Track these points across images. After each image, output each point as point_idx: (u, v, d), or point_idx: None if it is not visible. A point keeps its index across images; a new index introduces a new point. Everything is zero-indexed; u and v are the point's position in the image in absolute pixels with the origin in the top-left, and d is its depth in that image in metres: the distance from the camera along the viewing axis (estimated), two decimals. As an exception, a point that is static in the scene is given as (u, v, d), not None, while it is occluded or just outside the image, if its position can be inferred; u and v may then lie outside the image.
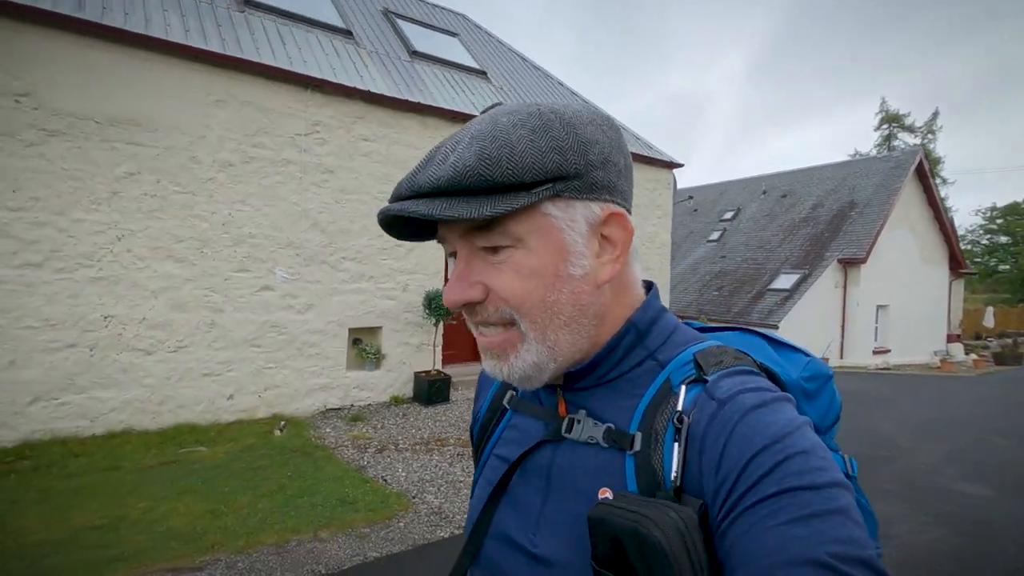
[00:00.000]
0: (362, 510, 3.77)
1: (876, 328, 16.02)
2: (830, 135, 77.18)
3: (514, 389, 0.68)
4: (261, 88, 5.60)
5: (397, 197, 0.51)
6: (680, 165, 9.85)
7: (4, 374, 4.48)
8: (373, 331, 6.56)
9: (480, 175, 0.47)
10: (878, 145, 41.08)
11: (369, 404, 6.41)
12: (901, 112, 41.13)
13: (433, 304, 6.45)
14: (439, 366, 6.99)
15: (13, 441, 4.51)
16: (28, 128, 4.51)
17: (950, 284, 18.80)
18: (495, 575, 0.59)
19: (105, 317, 4.86)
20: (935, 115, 40.76)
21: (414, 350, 6.79)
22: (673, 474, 0.48)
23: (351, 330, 6.36)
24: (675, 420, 0.50)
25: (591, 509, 0.47)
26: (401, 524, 3.61)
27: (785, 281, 15.54)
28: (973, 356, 16.73)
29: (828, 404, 0.63)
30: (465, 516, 2.63)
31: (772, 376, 0.58)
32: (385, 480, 4.34)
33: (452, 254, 0.56)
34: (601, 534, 0.46)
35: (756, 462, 0.44)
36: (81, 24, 4.63)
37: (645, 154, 9.25)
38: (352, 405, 6.31)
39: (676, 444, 0.49)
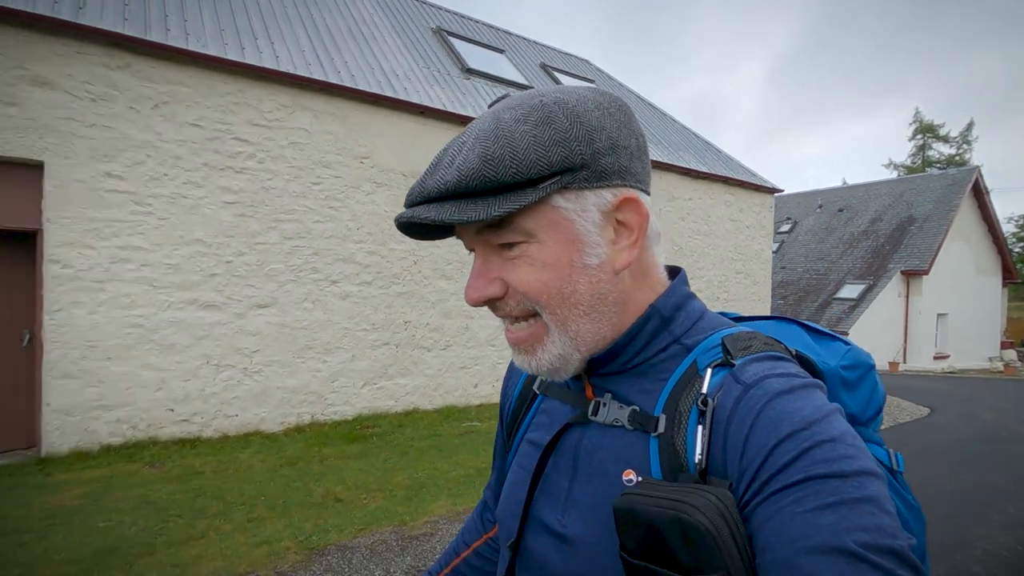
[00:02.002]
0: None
1: (936, 335, 17.14)
2: (856, 140, 77.42)
3: None
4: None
5: (410, 203, 0.52)
6: (780, 191, 11.23)
7: (347, 365, 6.03)
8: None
9: (484, 177, 0.48)
10: (912, 155, 41.67)
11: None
12: (936, 122, 41.69)
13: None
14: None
15: (352, 415, 6.05)
16: (367, 182, 6.07)
17: (1003, 294, 19.82)
18: (529, 557, 0.59)
19: (405, 322, 6.41)
20: (970, 125, 41.24)
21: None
22: (698, 456, 0.48)
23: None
24: (699, 403, 0.50)
25: (617, 499, 0.46)
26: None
27: (850, 291, 16.77)
28: (1029, 361, 17.75)
29: (869, 395, 0.63)
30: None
31: (807, 363, 0.56)
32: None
33: (471, 250, 0.57)
34: (632, 524, 0.45)
35: (781, 448, 0.44)
36: (399, 103, 6.20)
37: (751, 181, 10.63)
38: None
39: (700, 427, 0.49)
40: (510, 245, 0.52)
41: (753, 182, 10.63)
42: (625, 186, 0.53)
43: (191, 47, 5.03)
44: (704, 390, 0.51)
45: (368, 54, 6.81)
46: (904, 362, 16.30)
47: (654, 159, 8.83)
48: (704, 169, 9.67)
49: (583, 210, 0.52)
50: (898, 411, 8.29)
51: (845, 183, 41.61)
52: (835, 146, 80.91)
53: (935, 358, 16.87)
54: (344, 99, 5.93)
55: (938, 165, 39.38)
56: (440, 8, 9.81)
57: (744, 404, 0.47)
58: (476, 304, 0.55)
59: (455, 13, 10.04)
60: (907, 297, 16.65)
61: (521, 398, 0.71)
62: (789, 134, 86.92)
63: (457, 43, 8.56)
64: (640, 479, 0.51)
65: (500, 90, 7.96)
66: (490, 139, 0.49)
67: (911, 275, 16.43)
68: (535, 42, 11.18)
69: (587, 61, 12.02)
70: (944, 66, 67.27)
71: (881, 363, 15.43)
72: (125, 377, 4.84)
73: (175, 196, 5.02)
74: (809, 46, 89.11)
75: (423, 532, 3.51)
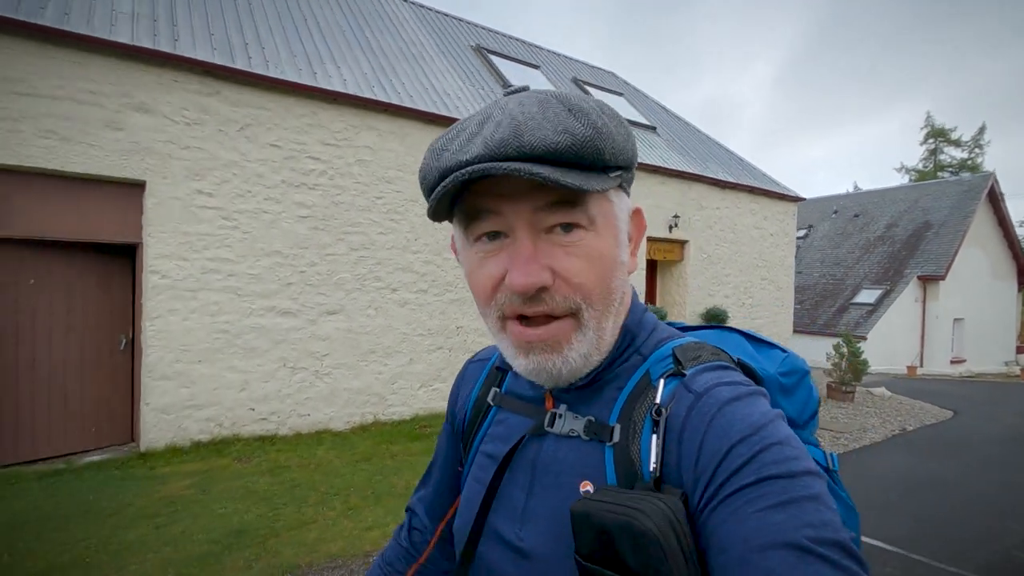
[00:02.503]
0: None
1: (952, 339, 17.34)
2: (865, 143, 77.32)
3: (498, 386, 0.68)
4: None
5: (494, 156, 0.47)
6: (803, 199, 11.54)
7: (406, 368, 6.41)
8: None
9: (596, 148, 0.47)
10: (924, 159, 41.64)
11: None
12: (948, 127, 41.65)
13: (646, 318, 8.25)
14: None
15: (409, 415, 6.43)
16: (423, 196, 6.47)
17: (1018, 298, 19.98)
18: (482, 571, 0.60)
19: (457, 327, 6.79)
20: (982, 129, 41.18)
21: (626, 354, 8.61)
22: (652, 464, 0.49)
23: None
24: (653, 412, 0.51)
25: (574, 504, 0.48)
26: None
27: (867, 296, 17.01)
28: (1045, 366, 17.90)
29: (806, 399, 0.65)
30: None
31: (749, 371, 0.59)
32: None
33: (490, 234, 0.53)
34: (586, 528, 0.46)
35: (735, 452, 0.45)
36: (453, 121, 6.59)
37: (775, 190, 10.95)
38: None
39: (655, 436, 0.50)
40: (568, 228, 0.51)
41: (777, 191, 10.95)
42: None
43: (271, 73, 5.45)
44: (657, 400, 0.52)
45: (420, 75, 7.21)
46: (921, 366, 16.52)
47: (685, 169, 9.19)
48: (731, 179, 10.01)
49: (623, 209, 0.55)
50: (923, 414, 8.57)
51: (857, 187, 41.70)
52: (843, 149, 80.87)
53: (952, 362, 17.07)
54: (404, 119, 6.33)
55: (950, 169, 39.39)
56: (476, 25, 10.22)
57: (696, 412, 0.49)
58: (528, 291, 0.50)
59: (489, 29, 10.45)
60: (924, 302, 16.87)
61: (476, 409, 0.70)
62: (796, 137, 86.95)
63: (496, 60, 8.96)
64: (596, 488, 0.51)
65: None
66: (595, 113, 0.49)
67: (928, 280, 16.65)
68: (565, 56, 11.57)
69: (613, 74, 12.40)
70: (954, 69, 67.19)
71: (899, 367, 15.67)
72: (213, 379, 5.24)
73: (257, 211, 5.42)
74: (816, 48, 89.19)
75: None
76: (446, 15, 9.90)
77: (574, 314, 0.53)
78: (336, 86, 5.88)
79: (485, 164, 0.46)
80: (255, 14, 6.35)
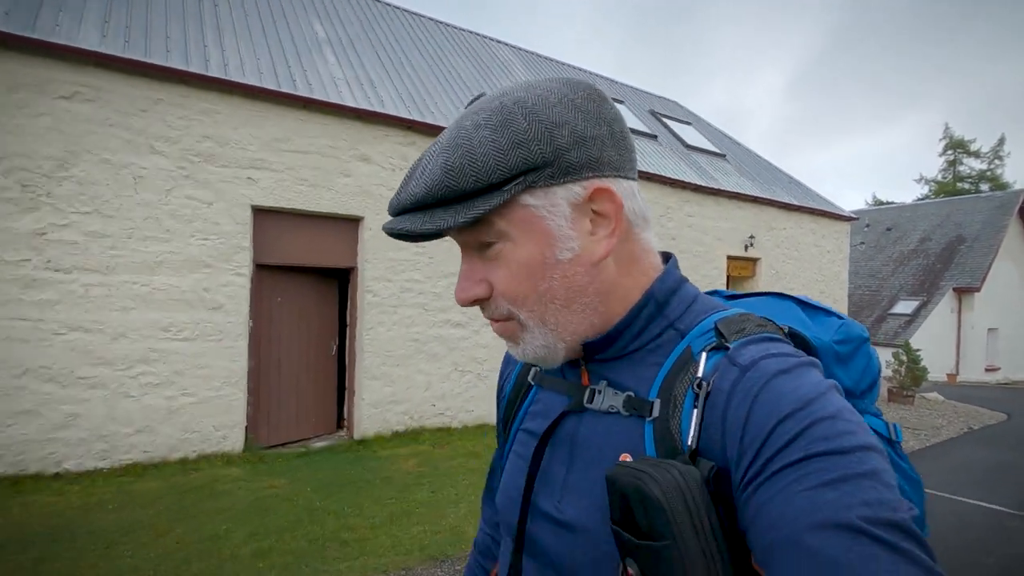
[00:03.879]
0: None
1: (987, 348, 18.19)
2: (878, 153, 77.87)
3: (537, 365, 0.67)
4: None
5: (391, 213, 0.55)
6: (855, 219, 12.53)
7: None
8: (689, 347, 9.42)
9: (448, 187, 0.49)
10: (943, 170, 42.25)
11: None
12: (967, 138, 42.20)
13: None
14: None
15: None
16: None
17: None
18: (531, 545, 0.61)
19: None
20: (1001, 140, 41.73)
21: (711, 361, 9.63)
22: (690, 439, 0.49)
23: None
24: (695, 386, 0.50)
25: (608, 469, 0.48)
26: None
27: (905, 307, 17.92)
28: (1076, 374, 18.68)
29: (864, 368, 0.63)
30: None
31: (801, 340, 0.58)
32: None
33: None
34: (613, 493, 0.47)
35: (781, 428, 0.44)
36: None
37: (832, 211, 11.95)
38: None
39: (695, 410, 0.49)
40: (487, 245, 0.54)
41: (833, 211, 11.96)
42: (597, 176, 0.53)
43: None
44: (699, 374, 0.51)
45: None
46: (958, 374, 17.38)
47: (755, 195, 10.22)
48: (796, 202, 11.04)
49: (552, 206, 0.52)
50: (980, 416, 9.52)
51: (875, 198, 42.30)
52: (853, 157, 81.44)
53: (986, 370, 17.92)
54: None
55: (969, 180, 40.11)
56: (562, 63, 11.34)
57: (741, 386, 0.48)
58: (465, 304, 0.57)
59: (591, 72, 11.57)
60: (959, 313, 17.75)
61: (516, 388, 0.72)
62: (805, 145, 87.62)
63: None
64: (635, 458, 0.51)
65: (650, 146, 9.43)
66: (450, 149, 0.50)
67: (963, 292, 17.54)
68: (644, 91, 12.69)
69: (677, 103, 13.49)
70: (967, 76, 67.84)
71: (938, 374, 16.54)
72: (406, 379, 6.33)
73: (439, 241, 6.52)
74: (826, 56, 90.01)
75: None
76: (546, 57, 11.02)
77: (511, 317, 0.56)
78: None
79: (384, 224, 0.55)
80: (450, 79, 7.51)
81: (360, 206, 6.00)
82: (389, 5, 9.29)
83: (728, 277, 10.41)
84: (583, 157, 0.52)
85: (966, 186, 39.83)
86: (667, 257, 0.63)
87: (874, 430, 0.57)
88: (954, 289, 17.55)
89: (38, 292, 4.43)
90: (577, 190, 0.53)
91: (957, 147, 41.04)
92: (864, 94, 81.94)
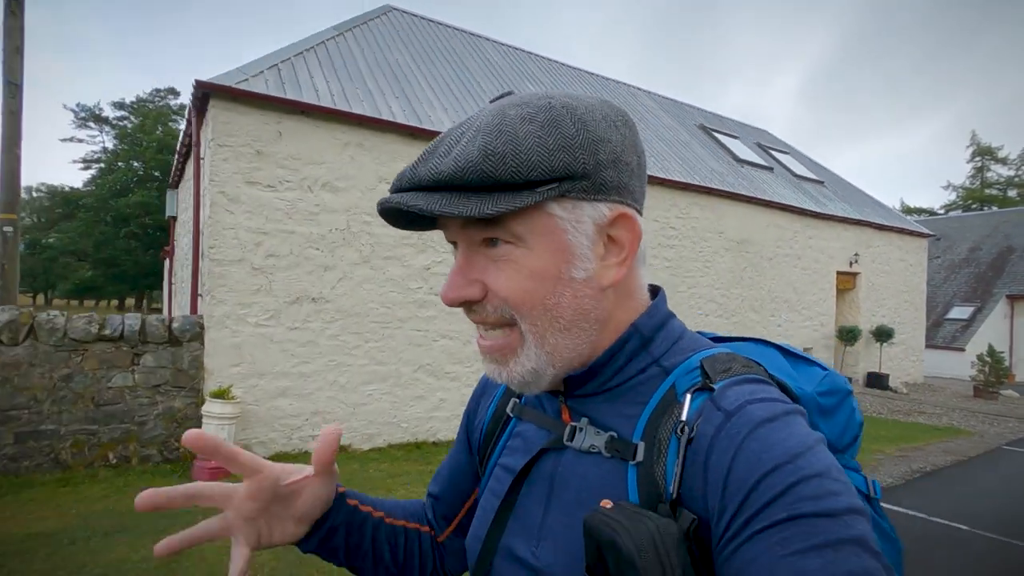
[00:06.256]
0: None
1: (1037, 351, 19.62)
2: (898, 155, 78.52)
3: (517, 397, 0.67)
4: (763, 214, 10.18)
5: (397, 188, 0.51)
6: (933, 236, 14.08)
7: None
8: (808, 350, 11.01)
9: (483, 172, 0.47)
10: (970, 176, 43.30)
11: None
12: (994, 145, 43.20)
13: (843, 333, 10.87)
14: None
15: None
16: (721, 248, 9.19)
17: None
18: None
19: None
20: (1030, 147, 42.59)
21: (827, 361, 11.23)
22: (672, 486, 0.47)
23: (803, 349, 10.84)
24: (678, 431, 0.48)
25: (587, 515, 0.46)
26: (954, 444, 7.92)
27: (960, 312, 19.39)
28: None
29: (846, 421, 0.61)
30: None
31: (784, 389, 0.55)
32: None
33: (453, 242, 0.55)
34: (589, 540, 0.45)
35: (766, 483, 0.42)
36: (738, 196, 9.33)
37: (913, 229, 13.50)
38: (801, 393, 10.77)
39: (678, 457, 0.47)
40: (495, 242, 0.51)
41: (915, 229, 13.52)
42: (622, 203, 0.53)
43: (653, 172, 8.23)
44: (684, 417, 0.49)
45: (696, 159, 9.98)
46: (1015, 375, 18.86)
47: (857, 218, 11.79)
48: (887, 223, 12.61)
49: (578, 221, 0.51)
50: (1060, 409, 11.04)
51: (903, 204, 43.41)
52: (876, 163, 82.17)
53: (1038, 371, 19.35)
54: (712, 197, 9.08)
55: (997, 187, 41.30)
56: (696, 107, 12.98)
57: (725, 433, 0.46)
58: (452, 304, 0.54)
59: (704, 109, 13.21)
60: (1012, 318, 19.20)
61: (495, 420, 0.70)
62: (821, 149, 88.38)
63: (722, 138, 11.71)
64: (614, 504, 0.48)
65: (768, 177, 11.08)
66: (493, 134, 0.48)
67: (1016, 299, 19.00)
68: (753, 127, 14.29)
69: (768, 132, 15.10)
70: (990, 81, 68.55)
71: (994, 375, 18.01)
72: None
73: (647, 265, 8.19)
74: (843, 62, 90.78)
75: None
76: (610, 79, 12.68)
77: (513, 325, 0.53)
78: (675, 176, 8.64)
79: (389, 196, 0.50)
80: (642, 134, 9.17)
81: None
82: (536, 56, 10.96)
83: (837, 290, 12.01)
84: (616, 179, 0.52)
85: (994, 192, 40.97)
86: (655, 291, 0.61)
87: (854, 486, 0.51)
88: (1007, 296, 18.99)
89: (426, 310, 6.13)
90: (604, 211, 0.52)
91: (984, 154, 42.10)
92: (883, 97, 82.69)
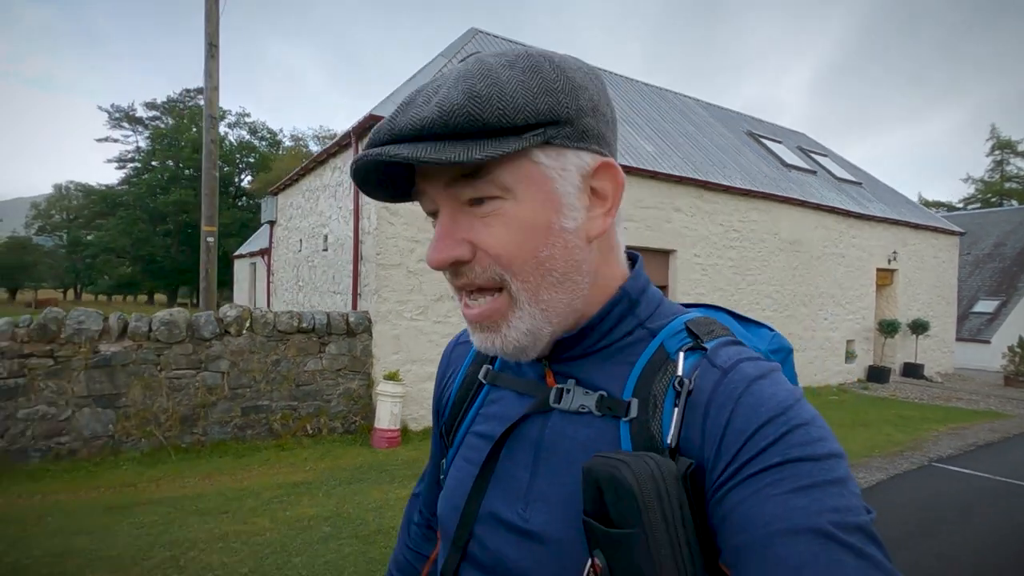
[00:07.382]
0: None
1: (1060, 343, 20.25)
2: (915, 150, 78.29)
3: (490, 363, 0.66)
4: (811, 216, 10.98)
5: (375, 142, 0.48)
6: (963, 233, 14.80)
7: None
8: (851, 342, 11.85)
9: (469, 115, 0.45)
10: (989, 169, 43.45)
11: (849, 380, 11.68)
12: (1013, 139, 43.29)
13: (884, 326, 11.69)
14: (875, 362, 12.21)
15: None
16: (776, 249, 10.03)
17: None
18: (480, 555, 0.57)
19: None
20: (1051, 141, 42.75)
21: (867, 352, 12.05)
22: (670, 437, 0.48)
23: (846, 341, 11.68)
24: (675, 384, 0.50)
25: (585, 462, 0.47)
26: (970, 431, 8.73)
27: (985, 306, 20.06)
28: None
29: (790, 374, 0.63)
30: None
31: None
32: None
33: (432, 213, 0.54)
34: (588, 483, 0.46)
35: (762, 432, 0.45)
36: (791, 200, 10.17)
37: (945, 227, 14.23)
38: (843, 381, 11.59)
39: (676, 408, 0.49)
40: (482, 200, 0.50)
41: (947, 228, 14.26)
42: (602, 152, 0.53)
43: (719, 180, 9.09)
44: (679, 372, 0.51)
45: (750, 165, 10.81)
46: (1035, 366, 19.50)
47: (895, 218, 12.55)
48: (922, 222, 13.37)
49: (563, 169, 0.51)
50: (1087, 397, 11.80)
51: (921, 197, 43.68)
52: (892, 156, 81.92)
53: (1060, 363, 19.98)
54: (768, 201, 9.93)
55: (1016, 180, 41.53)
56: (742, 114, 13.77)
57: (723, 388, 0.48)
58: (440, 266, 0.52)
59: (752, 116, 13.99)
60: (1036, 311, 19.84)
61: (465, 388, 0.67)
62: (833, 141, 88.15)
63: (770, 144, 12.51)
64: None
65: (812, 180, 11.90)
66: (476, 77, 0.47)
67: (1040, 293, 19.63)
68: (791, 130, 15.04)
69: (805, 135, 15.86)
70: (1008, 73, 68.16)
71: None
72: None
73: (716, 264, 9.07)
74: (858, 55, 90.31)
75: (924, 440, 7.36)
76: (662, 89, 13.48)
77: (503, 288, 0.52)
78: (736, 183, 9.49)
79: (365, 152, 0.47)
80: (701, 142, 10.05)
81: (672, 243, 8.57)
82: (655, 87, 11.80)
83: (876, 285, 12.81)
84: (596, 128, 0.52)
85: (1014, 186, 41.21)
86: (632, 257, 0.62)
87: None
88: (1031, 290, 19.63)
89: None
90: (587, 159, 0.52)
91: (1004, 147, 42.25)
92: (898, 89, 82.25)
